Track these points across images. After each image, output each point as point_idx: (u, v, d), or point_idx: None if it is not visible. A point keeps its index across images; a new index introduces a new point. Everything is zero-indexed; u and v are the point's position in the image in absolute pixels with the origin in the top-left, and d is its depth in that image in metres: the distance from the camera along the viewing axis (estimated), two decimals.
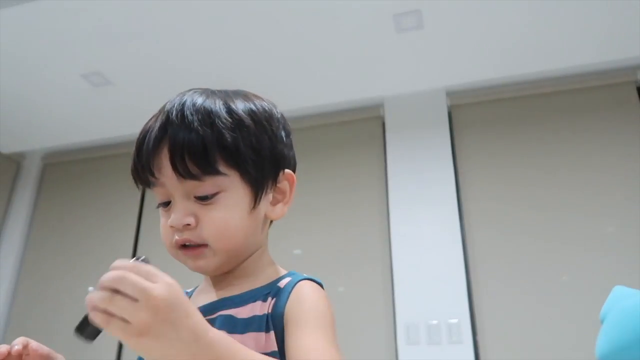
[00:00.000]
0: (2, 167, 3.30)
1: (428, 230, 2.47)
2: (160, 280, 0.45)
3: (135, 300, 0.43)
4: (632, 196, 2.29)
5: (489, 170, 2.56)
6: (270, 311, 0.63)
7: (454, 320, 2.25)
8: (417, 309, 2.32)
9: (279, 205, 0.71)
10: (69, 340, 3.27)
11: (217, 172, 0.62)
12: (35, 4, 2.12)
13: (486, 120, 2.68)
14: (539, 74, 2.60)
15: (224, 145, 0.63)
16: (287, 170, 0.71)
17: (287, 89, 2.71)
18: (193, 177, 0.62)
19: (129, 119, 3.02)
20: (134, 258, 0.48)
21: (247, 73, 2.57)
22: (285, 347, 0.61)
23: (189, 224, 0.63)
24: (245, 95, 0.71)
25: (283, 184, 0.71)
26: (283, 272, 0.72)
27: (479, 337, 2.25)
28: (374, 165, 2.73)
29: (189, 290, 0.76)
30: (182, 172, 0.61)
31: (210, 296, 0.69)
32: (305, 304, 0.63)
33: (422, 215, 2.50)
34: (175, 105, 0.65)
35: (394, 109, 2.78)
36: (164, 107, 0.67)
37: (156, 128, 0.64)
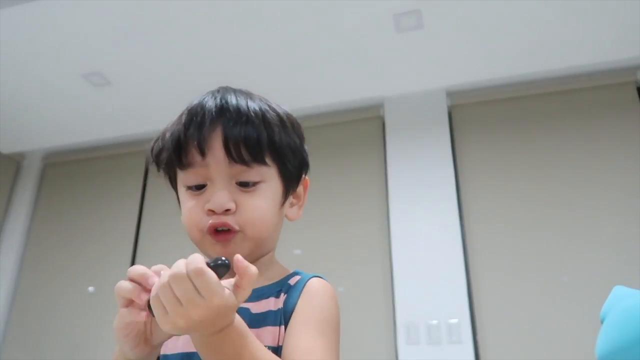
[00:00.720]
0: (2, 167, 3.30)
1: (428, 230, 2.47)
2: (216, 294, 0.49)
3: (201, 296, 0.48)
4: (632, 196, 2.29)
5: (489, 170, 2.56)
6: (282, 306, 0.66)
7: (454, 320, 2.25)
8: (417, 309, 2.32)
9: (295, 208, 0.76)
10: (69, 341, 3.28)
11: (264, 162, 0.67)
12: (35, 4, 2.12)
13: (486, 120, 2.68)
14: (539, 74, 2.60)
15: (273, 140, 0.68)
16: (306, 176, 0.77)
17: (287, 89, 2.71)
18: (243, 162, 0.65)
19: (129, 119, 3.02)
20: (214, 260, 0.52)
21: (247, 73, 2.57)
22: (284, 342, 0.62)
23: (229, 209, 0.65)
24: (268, 99, 0.75)
25: (300, 187, 0.76)
26: (290, 270, 0.75)
27: (479, 337, 2.25)
28: (374, 165, 2.73)
29: None
30: (235, 156, 0.65)
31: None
32: (313, 303, 0.65)
33: (422, 215, 2.50)
34: (228, 98, 0.68)
35: (394, 109, 2.78)
36: (205, 99, 0.69)
37: (209, 114, 0.66)
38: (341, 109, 2.88)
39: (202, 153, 0.65)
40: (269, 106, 0.71)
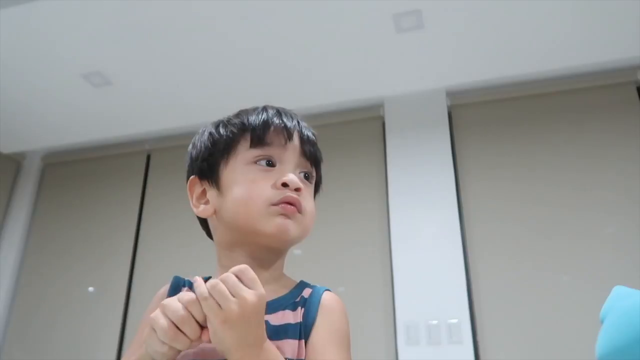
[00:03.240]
0: (2, 167, 3.30)
1: (428, 230, 2.47)
2: (257, 289, 0.57)
3: (233, 296, 0.55)
4: (632, 196, 2.29)
5: (489, 170, 2.56)
6: (301, 320, 0.69)
7: (454, 320, 2.25)
8: (417, 309, 2.32)
9: None
10: (69, 341, 3.28)
11: (318, 166, 0.81)
12: (35, 4, 2.12)
13: (486, 120, 2.68)
14: (539, 74, 2.60)
15: (321, 159, 0.82)
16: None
17: (287, 89, 2.71)
18: (311, 158, 0.78)
19: (129, 119, 3.02)
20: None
21: (247, 73, 2.57)
22: (308, 357, 0.66)
23: (300, 188, 0.73)
24: None
25: None
26: (295, 280, 0.77)
27: (479, 337, 2.25)
28: (374, 165, 2.73)
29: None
30: (307, 151, 0.77)
31: None
32: (332, 320, 0.70)
33: (422, 215, 2.50)
34: (293, 114, 0.80)
35: (394, 109, 2.78)
36: (270, 109, 0.79)
37: (289, 113, 0.79)
38: (341, 109, 2.88)
39: (289, 136, 0.75)
40: None
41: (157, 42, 2.36)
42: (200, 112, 2.88)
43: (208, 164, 0.76)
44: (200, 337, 0.57)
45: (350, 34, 2.31)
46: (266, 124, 0.75)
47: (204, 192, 0.77)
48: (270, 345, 0.59)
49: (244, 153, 0.74)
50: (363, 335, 2.37)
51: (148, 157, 3.21)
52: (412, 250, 2.44)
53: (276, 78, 2.62)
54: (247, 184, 0.71)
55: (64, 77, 2.61)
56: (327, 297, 0.72)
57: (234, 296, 0.55)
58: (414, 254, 2.43)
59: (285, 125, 0.75)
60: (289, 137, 0.75)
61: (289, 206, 0.70)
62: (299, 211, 0.72)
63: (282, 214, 0.70)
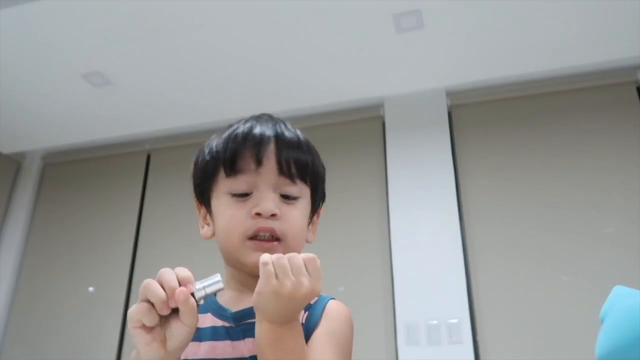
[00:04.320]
0: (2, 167, 3.30)
1: (428, 230, 2.47)
2: (316, 281, 0.59)
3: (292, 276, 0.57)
4: (632, 196, 2.29)
5: (489, 170, 2.56)
6: (303, 322, 0.69)
7: (454, 320, 2.25)
8: (417, 309, 2.32)
9: (311, 233, 0.81)
10: (69, 341, 3.27)
11: (306, 181, 0.75)
12: (35, 4, 2.12)
13: (486, 120, 2.68)
14: (539, 74, 2.60)
15: (314, 165, 0.77)
16: (322, 205, 0.84)
17: (287, 89, 2.71)
18: (291, 176, 0.73)
19: (129, 119, 3.02)
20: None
21: (247, 73, 2.57)
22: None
23: (275, 214, 0.70)
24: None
25: (315, 214, 0.82)
26: None
27: (479, 337, 2.25)
28: (374, 165, 2.73)
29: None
30: (285, 169, 0.72)
31: (249, 301, 0.71)
32: (334, 327, 0.70)
33: (422, 215, 2.50)
34: (277, 123, 0.76)
35: (394, 109, 2.78)
36: (253, 121, 0.76)
37: (264, 131, 0.74)
38: (341, 109, 2.88)
39: (259, 161, 0.71)
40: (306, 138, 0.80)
41: (157, 42, 2.36)
42: (200, 113, 2.89)
43: (201, 190, 0.78)
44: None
45: (350, 34, 2.31)
46: (234, 153, 0.72)
47: (205, 215, 0.79)
48: (299, 328, 0.61)
49: (223, 182, 0.74)
50: (363, 335, 2.37)
51: (148, 157, 3.21)
52: (412, 250, 2.44)
53: (276, 78, 2.62)
54: (226, 217, 0.72)
55: (64, 77, 2.61)
56: (332, 304, 0.73)
57: (293, 275, 0.57)
58: (414, 254, 2.43)
59: (255, 150, 0.72)
60: (258, 163, 0.71)
61: (264, 243, 0.70)
62: (278, 238, 0.70)
63: (258, 250, 0.69)
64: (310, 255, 0.59)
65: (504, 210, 2.45)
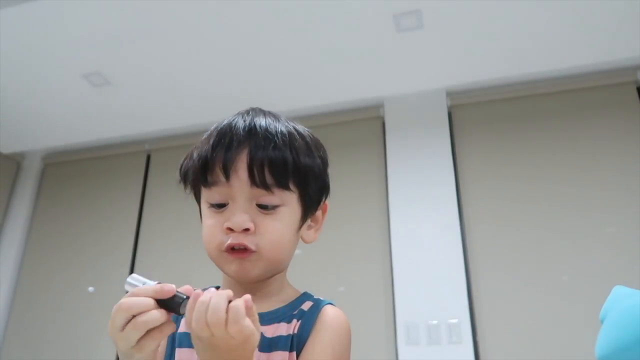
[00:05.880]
0: (2, 167, 3.30)
1: (428, 230, 2.47)
2: (254, 329, 0.52)
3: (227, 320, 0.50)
4: (632, 196, 2.29)
5: (489, 170, 2.56)
6: (295, 332, 0.67)
7: (454, 320, 2.25)
8: (417, 309, 2.32)
9: (312, 231, 0.77)
10: (69, 341, 3.27)
11: (286, 187, 0.68)
12: (35, 4, 2.12)
13: (486, 120, 2.68)
14: (539, 74, 2.60)
15: (298, 165, 0.69)
16: (326, 200, 0.78)
17: (287, 89, 2.71)
18: (265, 186, 0.67)
19: (129, 119, 3.02)
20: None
21: (247, 72, 2.57)
22: None
23: (248, 229, 0.66)
24: (295, 122, 0.76)
25: (319, 211, 0.78)
26: (299, 291, 0.76)
27: (479, 337, 2.25)
28: (374, 165, 2.73)
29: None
30: (258, 180, 0.66)
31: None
32: (327, 338, 0.67)
33: (422, 215, 2.50)
34: (256, 121, 0.70)
35: (394, 109, 2.78)
36: (235, 120, 0.71)
37: (237, 135, 0.68)
38: (341, 109, 2.88)
39: (226, 175, 0.67)
40: (297, 130, 0.73)
41: (157, 42, 2.36)
42: (200, 113, 2.89)
43: (194, 193, 0.76)
44: None
45: (351, 34, 2.31)
46: (204, 164, 0.69)
47: None
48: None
49: (203, 193, 0.72)
50: (363, 335, 2.37)
51: (148, 157, 3.21)
52: (412, 250, 2.44)
53: (276, 78, 2.62)
54: (205, 228, 0.71)
55: (64, 77, 2.61)
56: (326, 312, 0.70)
57: (228, 324, 0.50)
58: (414, 254, 2.43)
59: (225, 160, 0.67)
60: (227, 173, 0.67)
61: (237, 253, 0.68)
62: (252, 250, 0.67)
63: (233, 261, 0.68)
64: (246, 299, 0.52)
65: (504, 210, 2.45)
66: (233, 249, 0.67)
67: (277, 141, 0.68)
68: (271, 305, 0.71)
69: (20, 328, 2.97)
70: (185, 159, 0.76)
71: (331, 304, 0.72)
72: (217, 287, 0.76)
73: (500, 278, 2.34)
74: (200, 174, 0.69)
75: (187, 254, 2.63)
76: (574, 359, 2.02)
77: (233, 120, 0.71)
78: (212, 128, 0.73)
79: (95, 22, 2.23)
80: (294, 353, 0.65)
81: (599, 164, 2.41)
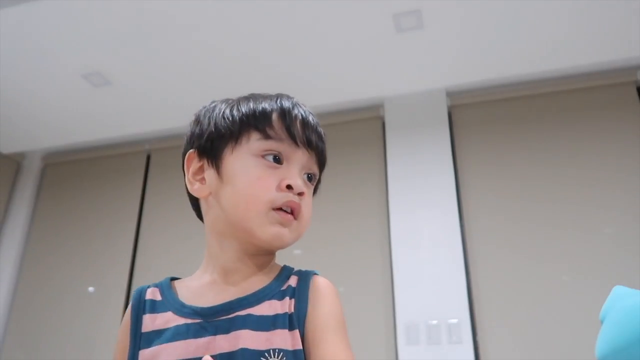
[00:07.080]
0: (2, 167, 3.30)
1: (428, 230, 2.47)
2: None
3: None
4: (632, 196, 2.29)
5: (489, 170, 2.56)
6: (292, 310, 0.66)
7: (454, 320, 2.25)
8: (417, 309, 2.32)
9: None
10: (69, 341, 3.27)
11: (323, 168, 0.76)
12: (35, 4, 2.12)
13: (486, 120, 2.68)
14: (539, 74, 2.60)
15: (326, 159, 0.77)
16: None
17: (287, 89, 2.68)
18: (318, 158, 0.73)
19: (129, 119, 3.02)
20: None
21: (246, 72, 2.57)
22: (313, 349, 0.63)
23: (303, 192, 0.69)
24: None
25: None
26: (278, 265, 0.74)
27: (479, 337, 2.25)
28: (374, 165, 2.73)
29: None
30: (316, 153, 0.72)
31: (223, 295, 0.68)
32: (328, 307, 0.68)
33: (422, 215, 2.50)
34: (303, 106, 0.74)
35: (394, 109, 2.78)
36: (277, 96, 0.73)
37: (297, 106, 0.73)
38: (341, 109, 2.88)
39: (304, 135, 0.70)
40: None
41: (157, 42, 2.36)
42: None
43: (213, 145, 0.71)
44: None
45: (350, 34, 2.31)
46: (283, 117, 0.69)
47: (201, 169, 0.72)
48: None
49: (253, 143, 0.69)
50: (363, 335, 2.37)
51: (148, 157, 3.21)
52: (412, 250, 2.44)
53: (276, 78, 2.62)
54: (252, 180, 0.67)
55: (64, 77, 2.61)
56: (316, 284, 0.70)
57: None
58: (414, 254, 2.43)
59: (304, 122, 0.71)
60: (304, 135, 0.70)
61: (288, 215, 0.67)
62: (296, 217, 0.68)
63: (279, 222, 0.67)
64: None
65: (504, 210, 2.45)
66: (283, 211, 0.67)
67: (323, 135, 0.74)
68: (257, 283, 0.69)
69: (20, 328, 2.97)
70: (223, 105, 0.74)
71: (316, 273, 0.73)
72: (173, 279, 0.75)
73: (500, 278, 2.34)
74: (275, 126, 0.69)
75: (187, 254, 2.62)
76: (574, 359, 2.02)
77: (288, 98, 0.74)
78: (272, 96, 0.73)
79: (95, 22, 2.23)
80: (296, 331, 0.64)
81: (599, 164, 2.41)
